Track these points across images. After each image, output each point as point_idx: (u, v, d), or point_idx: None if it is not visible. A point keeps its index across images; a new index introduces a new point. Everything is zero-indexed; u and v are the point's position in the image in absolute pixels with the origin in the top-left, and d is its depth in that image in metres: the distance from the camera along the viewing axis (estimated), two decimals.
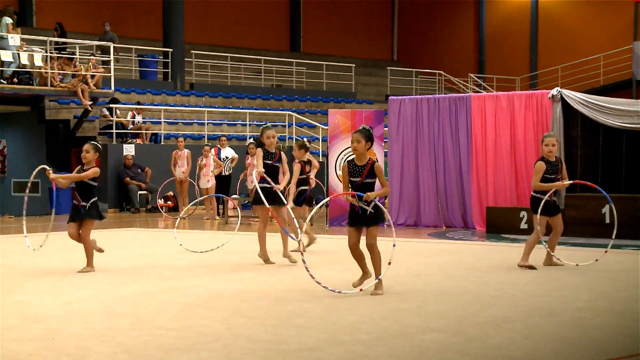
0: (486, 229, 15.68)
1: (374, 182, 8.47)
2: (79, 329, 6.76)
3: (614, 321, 7.09)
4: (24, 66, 21.08)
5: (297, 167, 12.44)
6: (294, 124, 26.12)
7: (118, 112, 23.41)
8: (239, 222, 13.76)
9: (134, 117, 23.82)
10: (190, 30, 30.74)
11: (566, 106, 15.76)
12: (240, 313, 7.43)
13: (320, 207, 8.94)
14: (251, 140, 21.70)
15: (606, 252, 10.54)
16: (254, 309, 7.62)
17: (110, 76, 22.77)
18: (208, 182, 20.12)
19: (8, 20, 20.90)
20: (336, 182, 17.06)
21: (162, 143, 24.22)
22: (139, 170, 22.39)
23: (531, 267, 10.31)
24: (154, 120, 24.83)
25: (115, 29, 27.65)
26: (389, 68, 34.30)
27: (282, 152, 11.12)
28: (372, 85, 36.55)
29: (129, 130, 23.55)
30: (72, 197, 10.20)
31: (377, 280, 8.40)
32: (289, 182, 11.75)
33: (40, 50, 21.51)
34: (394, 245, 8.43)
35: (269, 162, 10.96)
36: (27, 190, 10.47)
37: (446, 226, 16.92)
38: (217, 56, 31.22)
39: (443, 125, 17.00)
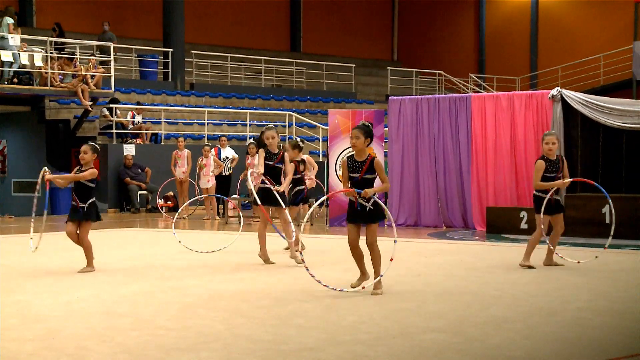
0: (486, 229, 15.68)
1: (374, 178, 8.41)
2: (79, 329, 6.76)
3: (614, 321, 7.09)
4: (24, 66, 21.09)
5: (290, 167, 12.43)
6: (294, 124, 26.12)
7: (118, 112, 23.42)
8: (242, 222, 13.70)
9: (133, 117, 23.83)
10: (191, 30, 30.75)
11: (566, 106, 15.76)
12: (241, 313, 7.43)
13: (321, 206, 8.95)
14: (251, 140, 21.70)
15: (605, 248, 10.55)
16: (254, 309, 7.61)
17: (111, 76, 22.77)
18: (208, 182, 20.12)
19: (9, 20, 20.92)
20: (336, 182, 17.05)
21: (162, 143, 24.22)
22: (139, 170, 22.39)
23: (530, 267, 10.33)
24: (154, 120, 24.84)
25: (115, 28, 27.65)
26: (389, 68, 34.30)
27: (284, 153, 11.08)
28: (372, 85, 36.55)
29: (129, 130, 23.55)
30: (71, 197, 10.20)
31: (376, 280, 8.39)
32: (296, 184, 11.76)
33: (40, 50, 21.52)
34: (395, 241, 8.43)
35: (271, 162, 10.93)
36: (36, 192, 10.49)
37: (446, 226, 16.92)
38: (217, 56, 31.22)
39: (443, 125, 17.00)
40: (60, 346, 6.17)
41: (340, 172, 16.11)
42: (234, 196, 19.70)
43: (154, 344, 6.22)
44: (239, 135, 26.15)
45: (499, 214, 15.50)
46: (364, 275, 8.64)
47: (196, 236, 15.09)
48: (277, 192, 10.77)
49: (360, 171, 8.38)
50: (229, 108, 28.03)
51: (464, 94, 18.49)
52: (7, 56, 20.54)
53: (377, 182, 8.55)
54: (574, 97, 15.77)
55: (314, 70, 33.29)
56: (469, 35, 39.65)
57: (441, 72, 35.15)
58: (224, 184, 20.77)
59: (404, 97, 18.09)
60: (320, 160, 22.63)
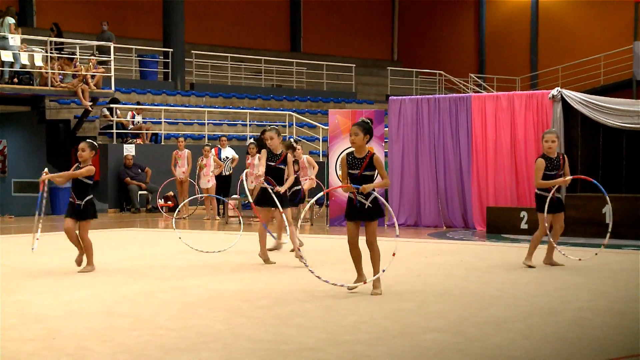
0: (486, 229, 15.68)
1: (374, 174, 8.36)
2: (79, 329, 6.76)
3: (614, 321, 7.09)
4: (24, 66, 21.09)
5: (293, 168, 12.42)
6: (294, 124, 26.12)
7: (118, 112, 23.42)
8: (242, 223, 13.71)
9: (133, 117, 23.83)
10: (191, 30, 30.75)
11: (566, 106, 15.76)
12: (241, 313, 7.43)
13: (320, 205, 8.95)
14: (251, 140, 21.70)
15: (604, 245, 10.58)
16: (254, 309, 7.61)
17: (111, 76, 22.78)
18: (208, 182, 20.13)
19: (11, 20, 20.93)
20: (337, 182, 17.05)
21: (163, 143, 24.22)
22: (139, 170, 22.39)
23: (530, 266, 10.36)
24: (155, 120, 24.84)
25: (115, 28, 27.65)
26: (389, 68, 34.31)
27: (287, 154, 11.03)
28: (373, 85, 36.55)
29: (129, 130, 23.56)
30: (70, 195, 10.22)
31: (375, 277, 8.36)
32: (293, 184, 11.77)
33: (40, 50, 21.52)
34: (397, 236, 8.43)
35: (272, 163, 10.91)
36: (44, 192, 10.50)
37: (446, 226, 16.92)
38: (217, 56, 31.22)
39: (443, 125, 17.00)
40: (60, 346, 6.17)
41: (340, 172, 16.09)
42: (234, 196, 19.70)
43: (154, 344, 6.22)
44: (239, 135, 26.15)
45: (499, 214, 15.50)
46: (360, 277, 8.59)
47: (196, 236, 15.08)
48: (278, 193, 10.76)
49: (360, 167, 8.33)
50: (229, 108, 28.03)
51: (464, 94, 18.49)
52: (7, 56, 20.54)
53: (378, 179, 8.51)
54: (574, 97, 15.77)
55: (314, 70, 33.30)
56: (469, 35, 39.65)
57: (441, 72, 35.15)
58: (224, 184, 20.78)
59: (404, 97, 18.09)
60: (321, 160, 22.63)
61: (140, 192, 22.31)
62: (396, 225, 8.64)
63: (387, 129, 18.79)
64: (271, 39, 37.12)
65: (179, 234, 12.72)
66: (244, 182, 11.91)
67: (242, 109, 28.17)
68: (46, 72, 21.26)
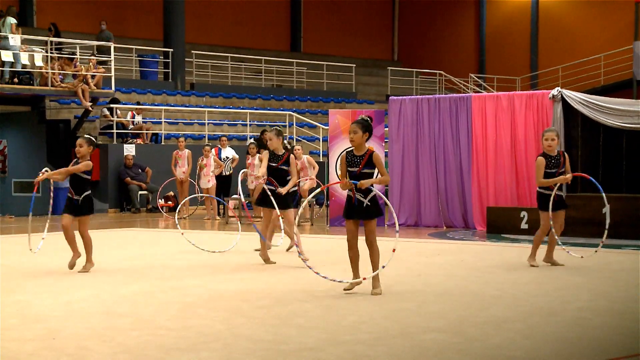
0: (487, 229, 15.67)
1: (373, 172, 8.31)
2: (79, 329, 6.76)
3: (614, 321, 7.09)
4: (25, 66, 21.09)
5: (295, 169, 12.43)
6: (294, 124, 26.12)
7: (119, 112, 23.42)
8: (241, 222, 13.72)
9: (133, 117, 23.83)
10: (191, 30, 30.75)
11: (566, 106, 15.76)
12: (241, 313, 7.43)
13: (320, 205, 8.94)
14: (251, 140, 21.70)
15: (602, 242, 10.59)
16: (254, 309, 7.61)
17: (111, 76, 22.78)
18: (209, 182, 20.12)
19: (12, 20, 20.94)
20: None
21: (163, 143, 24.22)
22: (140, 170, 22.39)
23: (532, 265, 10.39)
24: (155, 120, 24.84)
25: (115, 28, 27.65)
26: (389, 68, 34.30)
27: (290, 155, 10.99)
28: (373, 85, 36.55)
29: (130, 130, 23.56)
30: (68, 190, 10.22)
31: (375, 273, 8.35)
32: (295, 185, 11.77)
33: (40, 50, 21.52)
34: (397, 232, 8.44)
35: (274, 164, 10.88)
36: (51, 193, 10.51)
37: (447, 226, 16.92)
38: (218, 56, 31.22)
39: (443, 125, 17.00)
40: (60, 346, 6.17)
41: (340, 172, 16.11)
42: (234, 196, 19.70)
43: (154, 344, 6.22)
44: (240, 135, 26.15)
45: (499, 214, 15.50)
46: (356, 278, 8.57)
47: (197, 236, 15.07)
48: (280, 194, 10.75)
49: (359, 165, 8.29)
50: (230, 108, 28.04)
51: (464, 94, 18.49)
52: (7, 56, 20.54)
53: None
54: (575, 97, 15.77)
55: (315, 70, 33.30)
56: (470, 35, 39.65)
57: (441, 72, 35.15)
58: (225, 184, 20.78)
59: (404, 97, 18.09)
60: (321, 160, 22.63)
61: (140, 192, 22.31)
62: (396, 221, 8.63)
63: (387, 129, 18.79)
64: (271, 39, 37.13)
65: (182, 231, 12.73)
66: (239, 182, 11.88)
67: (243, 109, 28.17)
68: (46, 72, 21.26)
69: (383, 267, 8.34)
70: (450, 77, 34.98)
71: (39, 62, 21.13)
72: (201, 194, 19.92)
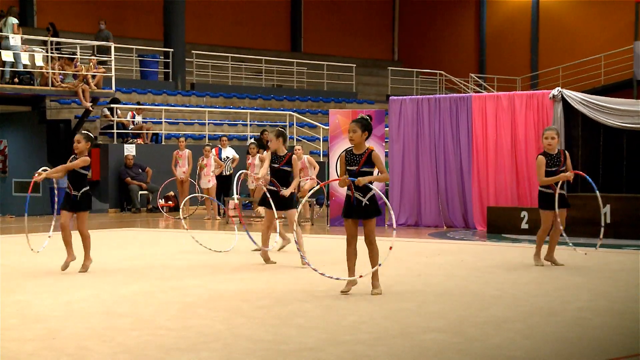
0: (487, 228, 15.67)
1: (372, 171, 8.29)
2: (79, 329, 6.76)
3: (614, 321, 7.09)
4: (25, 66, 21.10)
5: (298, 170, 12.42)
6: (294, 124, 26.12)
7: (119, 112, 23.42)
8: (238, 222, 13.73)
9: (133, 117, 23.84)
10: (191, 30, 30.75)
11: (567, 106, 15.76)
12: (241, 313, 7.43)
13: (320, 204, 8.94)
14: (252, 140, 21.71)
15: (601, 239, 10.61)
16: (254, 309, 7.62)
17: (111, 76, 22.78)
18: (209, 182, 20.12)
19: (14, 20, 20.96)
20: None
21: (163, 143, 24.23)
22: (140, 170, 22.40)
23: (536, 265, 10.44)
24: (155, 120, 24.84)
25: (115, 28, 27.64)
26: (389, 68, 34.30)
27: (292, 156, 10.97)
28: (373, 85, 36.55)
29: (130, 130, 23.56)
30: (67, 186, 10.22)
31: (374, 269, 8.32)
32: (297, 187, 11.77)
33: (41, 50, 21.53)
34: (394, 229, 8.44)
35: (276, 165, 10.86)
36: (55, 191, 10.53)
37: (447, 226, 16.92)
38: (218, 56, 31.22)
39: (444, 125, 17.00)
40: (60, 346, 6.17)
41: (339, 171, 16.11)
42: (234, 196, 19.69)
43: (154, 344, 6.22)
44: (240, 135, 26.16)
45: (499, 213, 15.49)
46: (351, 275, 8.54)
47: (197, 236, 15.07)
48: (283, 196, 10.74)
49: (358, 164, 8.28)
50: (230, 108, 28.04)
51: (464, 94, 18.49)
52: (8, 56, 20.55)
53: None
54: (575, 97, 15.77)
55: (315, 70, 33.30)
56: (470, 35, 39.65)
57: (442, 72, 35.15)
58: (225, 184, 20.77)
59: (404, 97, 18.09)
60: (321, 160, 22.64)
61: (140, 192, 22.31)
62: (393, 218, 8.64)
63: (387, 128, 18.79)
64: (272, 39, 37.12)
65: (190, 233, 12.76)
66: (235, 182, 11.88)
67: (243, 109, 28.17)
68: (47, 72, 21.27)
69: (380, 264, 8.33)
70: (450, 77, 34.98)
71: (39, 62, 21.15)
72: (201, 194, 19.93)
